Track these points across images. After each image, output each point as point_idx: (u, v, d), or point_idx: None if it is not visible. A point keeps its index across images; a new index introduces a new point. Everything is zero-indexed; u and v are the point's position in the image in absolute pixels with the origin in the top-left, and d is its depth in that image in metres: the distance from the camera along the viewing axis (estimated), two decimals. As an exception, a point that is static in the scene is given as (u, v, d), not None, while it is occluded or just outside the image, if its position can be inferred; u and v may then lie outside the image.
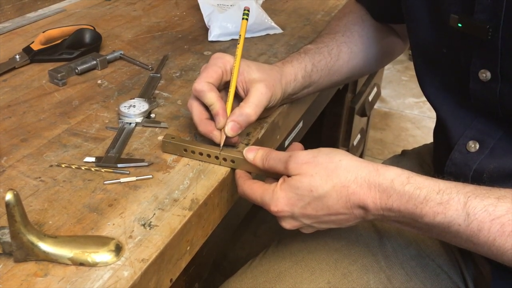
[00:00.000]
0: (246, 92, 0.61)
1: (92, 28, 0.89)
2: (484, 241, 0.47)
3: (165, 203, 0.53)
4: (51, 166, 0.58)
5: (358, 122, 1.45)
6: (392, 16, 0.76)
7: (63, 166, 0.58)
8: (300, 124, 0.91)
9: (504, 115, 0.57)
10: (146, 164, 0.58)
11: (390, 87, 2.64)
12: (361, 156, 1.69)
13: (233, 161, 0.58)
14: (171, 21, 1.01)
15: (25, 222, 0.44)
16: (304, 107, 0.82)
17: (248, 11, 0.64)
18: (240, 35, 0.63)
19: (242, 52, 0.62)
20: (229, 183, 0.59)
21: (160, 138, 0.63)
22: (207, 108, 0.60)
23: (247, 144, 0.63)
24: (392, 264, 0.68)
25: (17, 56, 0.80)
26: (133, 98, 0.70)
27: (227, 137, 0.59)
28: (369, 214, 0.51)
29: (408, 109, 2.46)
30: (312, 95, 0.81)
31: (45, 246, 0.45)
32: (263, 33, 0.94)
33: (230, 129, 0.58)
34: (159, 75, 0.78)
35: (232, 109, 0.60)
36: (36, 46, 0.83)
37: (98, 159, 0.59)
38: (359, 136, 1.52)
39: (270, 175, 0.57)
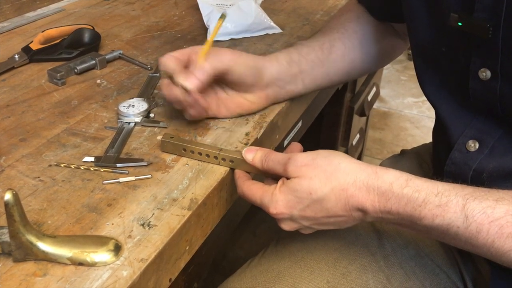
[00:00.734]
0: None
1: (91, 28, 0.89)
2: (483, 243, 0.47)
3: (164, 203, 0.53)
4: (50, 165, 0.58)
5: (357, 121, 1.45)
6: (392, 15, 0.76)
7: (62, 165, 0.58)
8: (299, 124, 0.91)
9: (504, 114, 0.57)
10: (145, 163, 0.58)
11: (389, 86, 2.64)
12: (360, 155, 1.69)
13: (232, 161, 0.58)
14: (170, 20, 1.01)
15: (24, 222, 0.44)
16: (303, 106, 0.82)
17: (226, 15, 0.68)
18: (212, 33, 0.66)
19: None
20: (228, 183, 0.59)
21: (159, 137, 0.63)
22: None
23: (246, 144, 0.63)
24: (391, 264, 0.68)
25: (16, 56, 0.80)
26: (132, 98, 0.70)
27: (189, 103, 0.60)
28: (368, 216, 0.51)
29: (407, 108, 2.46)
30: (311, 94, 0.81)
31: (44, 246, 0.45)
32: (262, 33, 0.94)
33: (187, 80, 0.59)
34: (158, 74, 0.78)
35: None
36: (35, 46, 0.83)
37: (97, 158, 0.59)
38: (358, 135, 1.52)
39: (269, 176, 0.58)
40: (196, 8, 0.99)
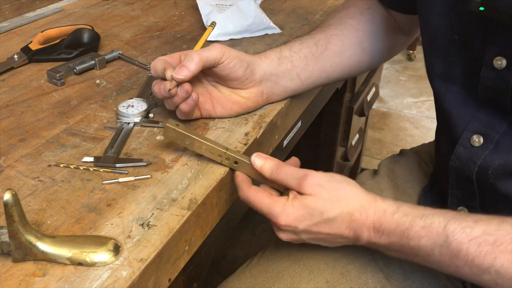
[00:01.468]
0: None
1: (91, 28, 0.89)
2: (464, 261, 0.50)
3: (163, 203, 0.53)
4: (50, 166, 0.58)
5: (357, 122, 1.45)
6: (402, 3, 0.76)
7: (61, 166, 0.58)
8: (299, 124, 0.91)
9: None
10: (144, 164, 0.58)
11: (388, 87, 2.65)
12: (359, 156, 1.69)
13: (236, 163, 0.58)
14: (170, 21, 1.01)
15: (24, 222, 0.44)
16: (303, 106, 0.82)
17: (215, 24, 0.71)
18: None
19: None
20: (228, 183, 0.59)
21: (159, 137, 0.63)
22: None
23: (245, 144, 0.63)
24: (390, 264, 0.68)
25: (16, 56, 0.80)
26: (132, 98, 0.70)
27: (180, 96, 0.61)
28: (361, 239, 0.56)
29: (407, 108, 2.46)
30: (310, 94, 0.81)
31: (44, 246, 0.45)
32: (262, 33, 0.94)
33: (176, 72, 0.60)
34: (157, 75, 0.78)
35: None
36: (34, 46, 0.83)
37: (97, 159, 0.59)
38: (357, 136, 1.52)
39: (269, 185, 0.60)
40: (196, 8, 0.99)
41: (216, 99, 0.67)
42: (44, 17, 1.00)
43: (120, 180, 0.55)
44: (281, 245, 0.73)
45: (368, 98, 1.48)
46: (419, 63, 2.90)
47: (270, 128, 0.69)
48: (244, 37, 0.93)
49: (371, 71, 1.46)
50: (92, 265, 0.45)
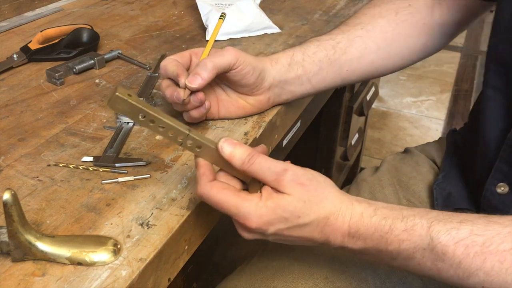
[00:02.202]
0: None
1: (90, 28, 0.89)
2: (449, 264, 0.48)
3: (163, 203, 0.53)
4: (49, 165, 0.58)
5: (356, 121, 1.45)
6: None
7: (60, 165, 0.58)
8: (298, 124, 0.91)
9: None
10: (144, 163, 0.58)
11: (388, 86, 2.64)
12: (359, 155, 1.69)
13: (199, 147, 0.50)
14: (169, 20, 1.01)
15: (23, 222, 0.44)
16: (302, 106, 0.82)
17: (225, 15, 0.68)
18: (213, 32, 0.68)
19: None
20: (227, 183, 0.59)
21: (158, 137, 0.63)
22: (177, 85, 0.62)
23: (245, 143, 0.63)
24: None
25: (15, 56, 0.80)
26: (131, 98, 0.70)
27: (193, 104, 0.60)
28: (332, 244, 0.52)
29: (406, 108, 2.46)
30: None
31: (43, 246, 0.45)
32: (261, 32, 0.94)
33: (189, 81, 0.59)
34: (157, 74, 0.78)
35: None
36: (33, 46, 0.83)
37: (96, 158, 0.59)
38: (357, 135, 1.52)
39: (231, 173, 0.52)
40: (195, 8, 0.99)
41: (222, 102, 0.66)
42: (43, 16, 1.00)
43: (120, 179, 0.55)
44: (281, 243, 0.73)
45: (368, 97, 1.48)
46: (419, 63, 2.90)
47: (270, 128, 0.69)
48: (244, 37, 0.93)
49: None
50: (91, 264, 0.45)
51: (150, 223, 0.50)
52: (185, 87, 0.59)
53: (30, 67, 0.81)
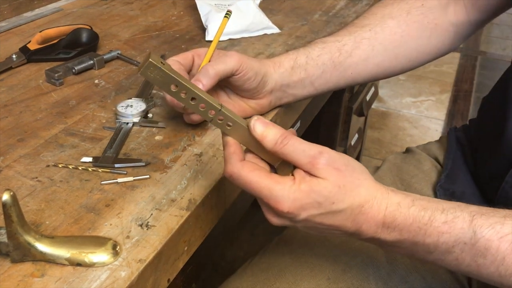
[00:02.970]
0: None
1: (89, 28, 0.89)
2: (491, 260, 0.45)
3: (162, 203, 0.52)
4: (48, 166, 0.58)
5: (356, 121, 1.45)
6: None
7: (60, 166, 0.58)
8: (298, 124, 0.91)
9: None
10: (143, 164, 0.58)
11: (387, 86, 2.65)
12: (358, 155, 1.69)
13: (229, 125, 0.48)
14: (169, 20, 1.01)
15: (22, 223, 0.44)
16: (302, 106, 0.82)
17: (230, 13, 0.68)
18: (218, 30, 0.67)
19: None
20: (227, 183, 0.59)
21: (158, 137, 0.63)
22: None
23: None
24: (392, 259, 0.68)
25: (14, 56, 0.80)
26: (130, 98, 0.70)
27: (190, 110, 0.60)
28: (363, 234, 0.50)
29: (406, 108, 2.46)
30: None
31: (42, 247, 0.45)
32: (261, 33, 0.94)
33: None
34: (156, 74, 0.78)
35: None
36: (33, 46, 0.82)
37: (95, 159, 0.59)
38: (356, 135, 1.52)
39: (260, 156, 0.50)
40: (194, 8, 0.99)
41: (224, 104, 0.66)
42: (42, 17, 1.00)
43: (119, 180, 0.55)
44: (282, 243, 0.73)
45: (367, 98, 1.48)
46: (418, 63, 2.90)
47: (269, 128, 0.69)
48: (243, 37, 0.93)
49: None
50: (90, 265, 0.45)
51: (149, 224, 0.50)
52: None
53: (29, 67, 0.81)
